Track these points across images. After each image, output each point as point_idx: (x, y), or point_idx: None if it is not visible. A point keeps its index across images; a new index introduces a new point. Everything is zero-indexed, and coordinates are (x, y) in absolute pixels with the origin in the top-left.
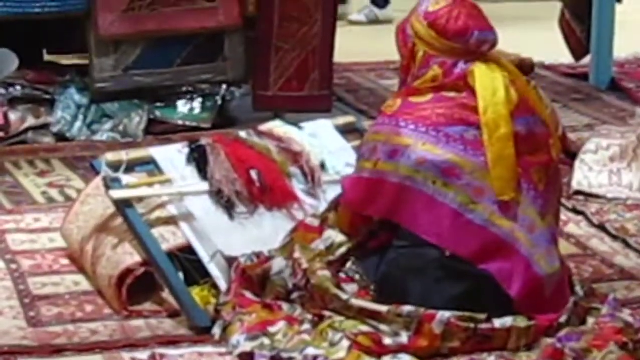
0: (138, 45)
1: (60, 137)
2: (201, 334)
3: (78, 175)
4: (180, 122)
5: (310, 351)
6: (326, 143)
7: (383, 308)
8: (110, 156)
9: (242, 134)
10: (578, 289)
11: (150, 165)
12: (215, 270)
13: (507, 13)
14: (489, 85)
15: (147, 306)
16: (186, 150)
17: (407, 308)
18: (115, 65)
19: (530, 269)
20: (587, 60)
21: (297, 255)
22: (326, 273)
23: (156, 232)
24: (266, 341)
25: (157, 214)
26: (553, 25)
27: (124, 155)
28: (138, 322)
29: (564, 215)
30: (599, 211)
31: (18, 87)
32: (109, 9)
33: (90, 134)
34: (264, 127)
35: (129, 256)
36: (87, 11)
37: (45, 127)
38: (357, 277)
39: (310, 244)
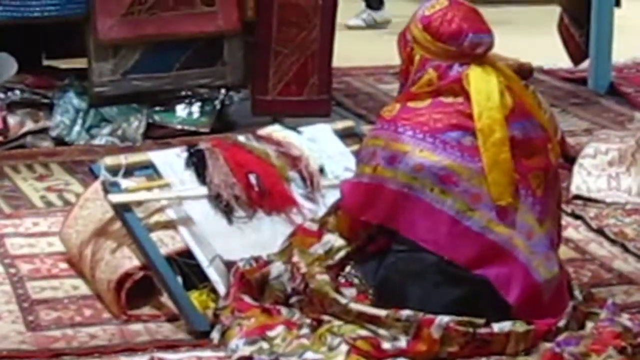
0: (137, 50)
1: (59, 141)
2: (200, 338)
3: (77, 179)
4: (179, 127)
5: (309, 355)
6: (325, 147)
7: (382, 312)
8: (109, 160)
9: (241, 138)
10: (577, 293)
11: (149, 169)
12: (214, 275)
13: (506, 17)
14: (483, 89)
15: (146, 310)
16: (185, 155)
17: (405, 312)
18: (114, 70)
19: (529, 276)
20: (585, 64)
21: (295, 259)
22: (325, 277)
23: (155, 236)
24: (265, 345)
25: (156, 218)
26: (552, 30)
27: (123, 160)
28: (137, 327)
29: (563, 220)
30: (598, 215)
31: (17, 91)
32: (108, 13)
33: (89, 138)
34: (263, 131)
35: (128, 260)
36: (86, 15)
37: (44, 131)
38: (355, 281)
39: (309, 248)
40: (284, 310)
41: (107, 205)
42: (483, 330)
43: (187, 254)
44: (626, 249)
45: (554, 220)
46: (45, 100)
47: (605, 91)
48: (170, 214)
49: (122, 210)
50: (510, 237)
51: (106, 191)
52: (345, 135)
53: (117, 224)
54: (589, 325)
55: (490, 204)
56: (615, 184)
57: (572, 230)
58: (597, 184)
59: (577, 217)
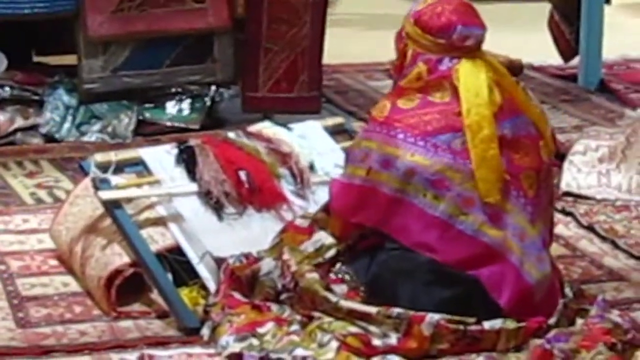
0: (127, 46)
1: (49, 138)
2: (190, 334)
3: (67, 176)
4: (169, 123)
5: (299, 352)
6: (315, 144)
7: (372, 309)
8: (99, 157)
9: (231, 135)
10: (567, 290)
11: (139, 166)
12: (204, 271)
13: (496, 14)
14: (472, 85)
15: (136, 307)
16: (175, 151)
17: (396, 310)
18: (104, 66)
19: (521, 278)
20: (576, 61)
21: (285, 257)
22: (314, 275)
23: (145, 233)
24: (255, 342)
25: (146, 214)
26: (542, 27)
27: (113, 156)
28: (127, 323)
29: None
30: (588, 212)
31: (7, 88)
32: (98, 9)
33: (79, 135)
34: (253, 128)
35: (118, 257)
36: (76, 12)
37: (34, 128)
38: (347, 277)
39: (300, 246)
40: (274, 307)
41: (97, 202)
42: (474, 328)
43: (177, 250)
44: (616, 246)
45: (546, 220)
46: (35, 97)
47: (595, 88)
48: (161, 211)
49: (112, 207)
50: (503, 239)
51: (96, 188)
52: (336, 132)
53: (107, 221)
54: (579, 321)
55: (482, 207)
56: (606, 181)
57: (563, 227)
58: (587, 180)
59: (568, 213)
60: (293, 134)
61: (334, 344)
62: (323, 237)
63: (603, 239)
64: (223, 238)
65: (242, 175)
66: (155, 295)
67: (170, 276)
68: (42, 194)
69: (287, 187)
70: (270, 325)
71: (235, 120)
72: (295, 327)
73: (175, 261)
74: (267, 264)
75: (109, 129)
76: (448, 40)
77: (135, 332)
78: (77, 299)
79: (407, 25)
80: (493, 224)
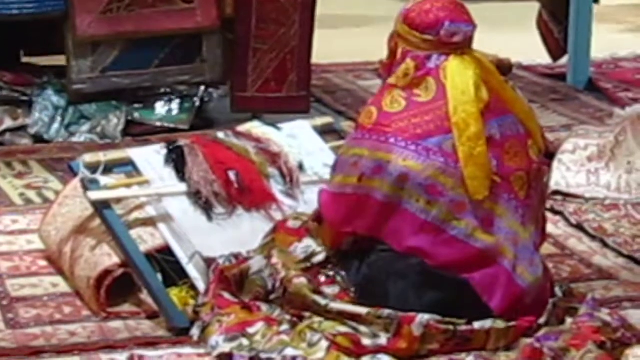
0: (116, 47)
1: (38, 138)
2: (180, 335)
3: (56, 176)
4: (158, 124)
5: (289, 352)
6: (304, 144)
7: (363, 310)
8: (88, 157)
9: (220, 135)
10: (557, 290)
11: (128, 166)
12: (193, 271)
13: (485, 13)
14: (459, 83)
15: (126, 307)
16: (164, 152)
17: (387, 310)
18: (93, 67)
19: (513, 282)
20: (564, 60)
21: (274, 260)
22: (302, 280)
23: (134, 233)
24: (245, 342)
25: (136, 215)
26: (531, 26)
27: (102, 157)
28: (116, 324)
29: None
30: (577, 211)
31: None
32: (87, 10)
33: (68, 135)
34: (242, 128)
35: (107, 257)
36: (65, 12)
37: (22, 128)
38: (338, 278)
39: (289, 247)
40: (264, 307)
41: (86, 203)
42: (464, 328)
43: (166, 250)
44: (605, 245)
45: (537, 220)
46: (24, 98)
47: (584, 87)
48: (150, 211)
49: (101, 207)
50: (496, 244)
51: (85, 188)
52: (325, 132)
53: (97, 221)
54: (569, 320)
55: (475, 212)
56: (595, 180)
57: (552, 226)
58: (577, 179)
59: (557, 212)
60: (282, 134)
61: (324, 344)
62: (313, 245)
63: (592, 237)
64: (212, 238)
65: (232, 175)
66: (144, 295)
67: (159, 276)
68: (31, 194)
69: (276, 187)
70: (260, 325)
71: (225, 120)
72: (285, 326)
73: (165, 261)
74: (257, 262)
75: (98, 130)
76: (436, 36)
77: (125, 332)
78: (67, 299)
79: (397, 24)
80: (485, 229)
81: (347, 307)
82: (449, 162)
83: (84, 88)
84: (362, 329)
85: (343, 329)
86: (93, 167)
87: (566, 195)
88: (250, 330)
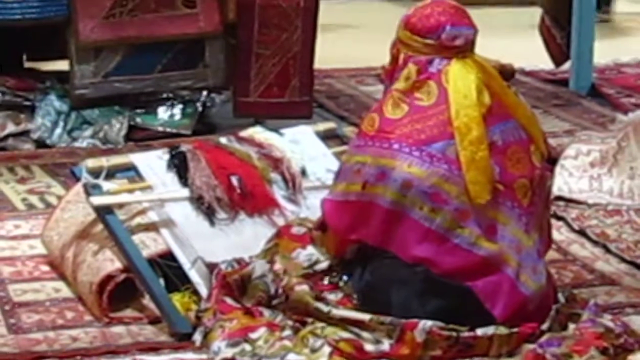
0: (118, 52)
1: (41, 143)
2: (182, 340)
3: (58, 181)
4: (160, 129)
5: (292, 357)
6: (307, 149)
7: (365, 316)
8: (91, 163)
9: (223, 140)
10: (560, 295)
11: (130, 171)
12: (195, 277)
13: (487, 19)
14: (461, 87)
15: (128, 313)
16: (166, 157)
17: (389, 316)
18: (95, 72)
19: (516, 290)
20: (567, 66)
21: (277, 266)
22: (304, 287)
23: (137, 238)
24: (247, 347)
25: (138, 220)
26: (533, 31)
27: (105, 162)
28: (119, 329)
29: None
30: (580, 217)
31: None
32: (89, 15)
33: (70, 140)
34: (245, 133)
35: (110, 263)
36: (67, 17)
37: (25, 133)
38: (341, 283)
39: (292, 253)
40: (266, 312)
41: (88, 208)
42: (466, 334)
43: (169, 256)
44: (608, 250)
45: (541, 227)
46: (27, 103)
47: (586, 92)
48: (152, 216)
49: (103, 212)
50: (500, 252)
51: (88, 193)
52: (327, 137)
53: (99, 227)
54: (571, 326)
55: (478, 220)
56: (597, 185)
57: (554, 231)
58: (579, 185)
59: (559, 218)
60: (285, 139)
61: (327, 349)
62: (316, 254)
63: (595, 243)
64: (215, 243)
65: (234, 180)
66: (147, 300)
67: (162, 282)
68: (34, 199)
69: (278, 192)
70: (262, 331)
71: (227, 125)
72: (287, 332)
73: (167, 266)
74: (260, 266)
75: (101, 135)
76: (437, 40)
77: (127, 337)
78: (69, 304)
79: (399, 30)
80: (489, 237)
81: (349, 314)
82: (453, 170)
83: (87, 93)
84: (365, 334)
85: (345, 334)
86: (95, 172)
87: (569, 201)
88: (253, 335)
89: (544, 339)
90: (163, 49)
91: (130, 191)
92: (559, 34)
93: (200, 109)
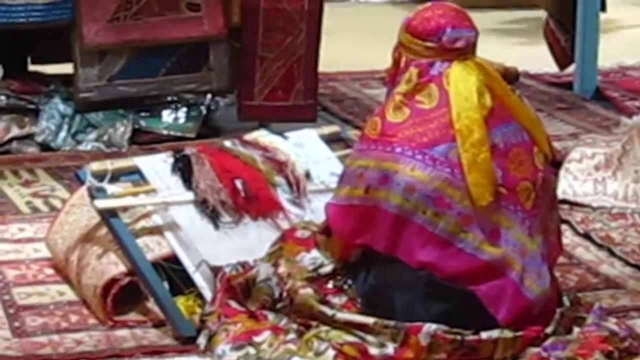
0: (123, 55)
1: (45, 147)
2: (186, 343)
3: (63, 185)
4: (165, 132)
5: None
6: (311, 152)
7: (370, 320)
8: (95, 166)
9: (227, 143)
10: (564, 299)
11: (135, 174)
12: (200, 280)
13: (491, 22)
14: (462, 90)
15: (132, 316)
16: (171, 160)
17: (394, 320)
18: (99, 75)
19: (520, 294)
20: (571, 69)
21: (281, 269)
22: (308, 290)
23: (141, 241)
24: (251, 351)
25: (142, 223)
26: (537, 34)
27: (109, 165)
28: (123, 332)
29: None
30: (584, 220)
31: (2, 97)
32: (94, 18)
33: (74, 143)
34: (249, 136)
35: (114, 266)
36: (72, 21)
37: (29, 137)
38: (345, 287)
39: (296, 257)
40: (270, 316)
41: (93, 211)
42: (471, 338)
43: (173, 259)
44: (612, 254)
45: (546, 230)
46: (31, 106)
47: (591, 95)
48: (157, 220)
49: (108, 215)
50: (503, 256)
51: (92, 197)
52: (332, 141)
53: (103, 230)
54: (576, 330)
55: (482, 225)
56: (602, 189)
57: None
58: (584, 188)
59: (564, 221)
60: (289, 143)
61: (331, 353)
62: (321, 258)
63: (599, 246)
64: (219, 247)
65: (238, 183)
66: (151, 304)
67: (166, 285)
68: (38, 202)
69: (283, 196)
70: (266, 334)
71: (231, 128)
72: (292, 335)
73: (172, 270)
74: (264, 270)
75: (105, 138)
76: (438, 43)
77: (131, 341)
78: (73, 308)
79: (400, 34)
80: (492, 242)
81: (354, 317)
82: (456, 174)
83: (91, 96)
84: (369, 338)
85: (350, 338)
86: (100, 176)
87: (573, 204)
88: (257, 339)
89: (548, 342)
90: (167, 53)
91: (135, 194)
92: (563, 37)
93: (204, 112)
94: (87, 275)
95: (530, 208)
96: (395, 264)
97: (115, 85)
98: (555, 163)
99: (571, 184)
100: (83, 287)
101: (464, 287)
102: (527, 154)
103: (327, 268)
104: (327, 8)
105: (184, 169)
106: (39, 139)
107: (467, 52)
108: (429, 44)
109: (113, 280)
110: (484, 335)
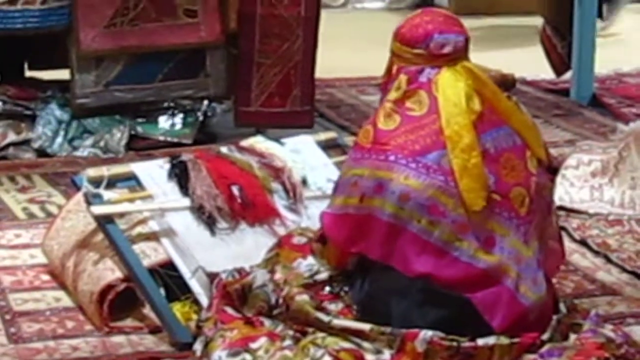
0: (119, 61)
1: (41, 152)
2: (182, 350)
3: (59, 191)
4: (161, 138)
5: None
6: (308, 159)
7: (366, 326)
8: (92, 172)
9: (224, 149)
10: (561, 306)
11: (131, 181)
12: (196, 286)
13: (488, 29)
14: (451, 96)
15: (129, 322)
16: (167, 166)
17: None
18: (96, 81)
19: (515, 301)
20: (568, 75)
21: (277, 276)
22: (304, 297)
23: (137, 247)
24: (248, 357)
25: (139, 229)
26: (534, 41)
27: (105, 171)
28: (119, 338)
29: None
30: (581, 226)
31: None
32: (91, 24)
33: (71, 149)
34: (246, 142)
35: (110, 272)
36: (69, 27)
37: (26, 142)
38: (342, 293)
39: (293, 263)
40: (267, 322)
41: (89, 217)
42: (467, 344)
43: (169, 265)
44: (609, 260)
45: (541, 236)
46: (28, 112)
47: (587, 102)
48: (153, 226)
49: (104, 221)
50: (499, 264)
51: (88, 203)
52: (328, 147)
53: (100, 236)
54: (573, 336)
55: (476, 233)
56: (598, 195)
57: None
58: (580, 195)
59: (560, 228)
60: (286, 149)
61: (327, 359)
62: (317, 265)
63: (596, 253)
64: (215, 253)
65: (235, 190)
66: (147, 310)
67: (162, 291)
68: (34, 208)
69: (279, 202)
70: (263, 341)
71: (228, 134)
72: (288, 342)
73: (168, 276)
74: (261, 276)
75: (102, 144)
76: (426, 49)
77: (127, 347)
78: (70, 314)
79: (392, 43)
80: (487, 249)
81: (350, 324)
82: (449, 181)
83: (88, 102)
84: (366, 345)
85: (346, 344)
86: (96, 182)
87: (570, 211)
88: (253, 345)
89: (544, 349)
90: (164, 59)
91: (131, 200)
92: (559, 44)
93: (201, 118)
94: (83, 281)
95: (525, 214)
96: (391, 271)
97: (112, 91)
98: (552, 170)
99: (568, 190)
100: (79, 293)
101: (460, 295)
102: (519, 159)
103: (324, 275)
104: (324, 14)
105: (180, 175)
106: (36, 144)
107: (456, 58)
108: (418, 51)
109: (109, 287)
110: (480, 341)
